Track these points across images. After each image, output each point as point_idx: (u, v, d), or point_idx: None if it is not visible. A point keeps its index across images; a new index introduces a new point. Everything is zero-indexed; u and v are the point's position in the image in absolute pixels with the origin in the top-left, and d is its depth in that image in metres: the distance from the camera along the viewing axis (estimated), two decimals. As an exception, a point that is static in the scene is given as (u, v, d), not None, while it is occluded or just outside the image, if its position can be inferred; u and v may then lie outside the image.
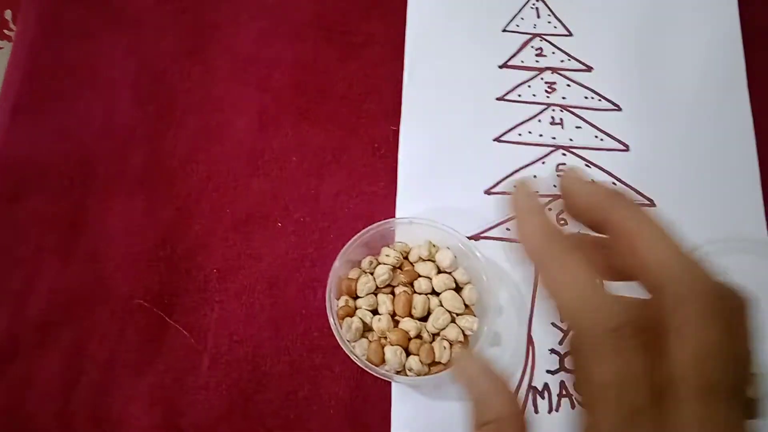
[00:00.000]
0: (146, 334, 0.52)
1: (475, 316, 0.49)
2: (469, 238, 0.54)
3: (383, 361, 0.47)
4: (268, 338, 0.51)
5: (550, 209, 0.29)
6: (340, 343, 0.47)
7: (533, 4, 0.61)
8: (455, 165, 0.56)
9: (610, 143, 0.56)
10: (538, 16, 0.61)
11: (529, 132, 0.57)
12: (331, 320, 0.47)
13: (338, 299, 0.50)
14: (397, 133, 0.57)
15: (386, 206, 0.55)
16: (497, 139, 0.57)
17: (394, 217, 0.54)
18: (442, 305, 0.49)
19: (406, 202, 0.55)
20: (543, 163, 0.56)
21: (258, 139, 0.57)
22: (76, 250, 0.54)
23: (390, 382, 0.50)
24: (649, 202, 0.54)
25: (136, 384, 0.51)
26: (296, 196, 0.55)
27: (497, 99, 0.58)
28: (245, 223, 0.54)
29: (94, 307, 0.52)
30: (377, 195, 0.55)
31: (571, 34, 0.60)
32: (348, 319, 0.48)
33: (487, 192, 0.55)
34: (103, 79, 0.59)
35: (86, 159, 0.57)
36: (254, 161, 0.56)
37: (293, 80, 0.59)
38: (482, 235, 0.54)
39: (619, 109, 0.57)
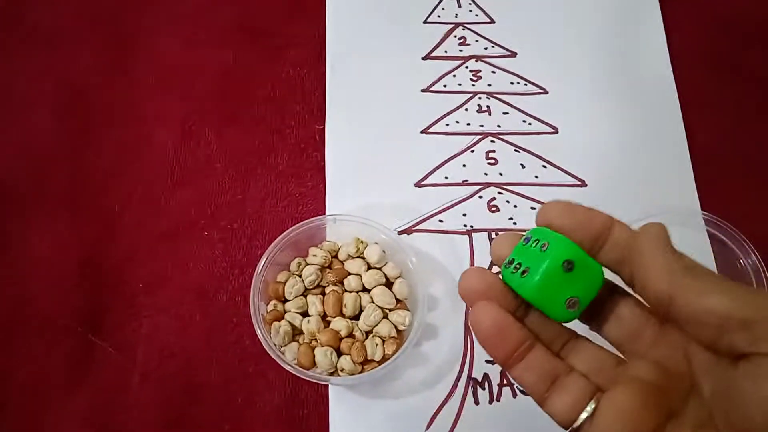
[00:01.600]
0: (74, 355, 0.49)
1: (407, 310, 0.47)
2: (402, 231, 0.52)
3: (314, 363, 0.45)
4: (199, 350, 0.49)
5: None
6: (267, 350, 0.44)
7: (454, -6, 0.60)
8: (384, 159, 0.54)
9: (538, 126, 0.55)
10: (459, 6, 0.60)
11: (457, 121, 0.55)
12: (255, 326, 0.45)
13: (267, 304, 0.48)
14: (323, 131, 0.55)
15: (316, 206, 0.53)
16: (425, 131, 0.55)
17: (324, 214, 0.53)
18: (373, 302, 0.47)
19: (336, 201, 0.53)
20: (472, 151, 0.54)
21: (180, 148, 0.55)
22: (-2, 272, 0.52)
23: (327, 385, 0.48)
24: (580, 182, 0.53)
25: (67, 407, 0.48)
26: (222, 203, 0.53)
27: (422, 91, 0.57)
28: (172, 234, 0.52)
29: (18, 330, 0.50)
30: (306, 196, 0.53)
31: (493, 21, 0.59)
32: (276, 323, 0.46)
33: (417, 185, 0.53)
34: (18, 97, 0.57)
35: (5, 179, 0.54)
36: (178, 171, 0.54)
37: (216, 86, 0.57)
38: (415, 228, 0.52)
39: (546, 93, 0.56)
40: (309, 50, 0.58)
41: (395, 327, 0.46)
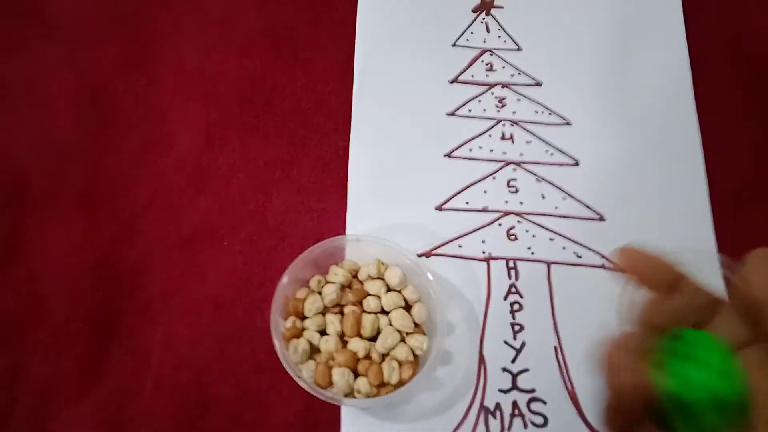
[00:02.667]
0: (87, 357, 0.48)
1: (424, 334, 0.47)
2: (421, 255, 0.51)
3: (331, 383, 0.44)
4: (214, 360, 0.48)
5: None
6: (286, 367, 0.44)
7: (483, 19, 0.60)
8: (406, 181, 0.54)
9: (560, 158, 0.55)
10: (488, 31, 0.59)
11: (480, 147, 0.55)
12: (275, 343, 0.44)
13: (285, 320, 0.47)
14: (346, 148, 0.54)
15: (336, 223, 0.52)
16: (448, 155, 0.55)
17: (344, 234, 0.52)
18: (391, 324, 0.47)
19: (356, 219, 0.52)
20: (494, 178, 0.54)
21: (204, 154, 0.54)
22: (12, 270, 0.51)
23: (340, 405, 0.47)
24: (598, 217, 0.53)
25: (77, 410, 0.47)
26: (243, 213, 0.52)
27: (448, 114, 0.56)
28: (190, 241, 0.51)
29: (31, 330, 0.49)
30: (327, 212, 0.53)
31: (520, 49, 0.59)
32: (294, 340, 0.46)
33: (438, 208, 0.53)
34: (39, 92, 0.56)
35: (22, 176, 0.53)
36: (200, 177, 0.53)
37: (240, 94, 0.56)
38: (434, 252, 0.52)
39: (569, 124, 0.56)
40: (336, 64, 0.58)
41: (412, 351, 0.46)
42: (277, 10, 0.59)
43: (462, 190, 0.54)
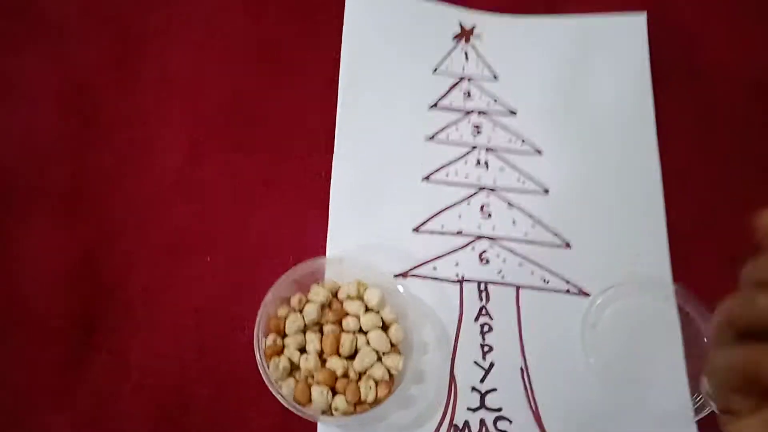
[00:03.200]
0: (67, 358, 0.48)
1: (400, 354, 0.48)
2: (398, 275, 0.53)
3: (310, 401, 0.46)
4: (194, 361, 0.49)
5: None
6: (267, 384, 0.45)
7: (463, 47, 0.61)
8: (385, 202, 0.55)
9: (531, 186, 0.57)
10: (467, 59, 0.61)
11: (456, 172, 0.57)
12: (258, 360, 0.45)
13: (266, 337, 0.48)
14: (329, 166, 0.55)
15: (316, 240, 0.53)
16: (426, 178, 0.56)
17: (324, 249, 0.53)
18: (369, 344, 0.48)
19: (336, 236, 0.54)
20: (468, 203, 0.56)
21: (187, 161, 0.55)
22: (-9, 270, 0.50)
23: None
24: (564, 244, 0.55)
25: (57, 411, 0.48)
26: (226, 224, 0.53)
27: (427, 139, 0.58)
28: (172, 249, 0.52)
29: (9, 331, 0.49)
30: (307, 228, 0.54)
31: (497, 78, 0.61)
32: (276, 358, 0.47)
33: (416, 230, 0.55)
34: (23, 91, 0.55)
35: (4, 174, 0.52)
36: (183, 184, 0.54)
37: (225, 100, 0.57)
38: (410, 272, 0.53)
39: (540, 154, 0.58)
40: (320, 80, 0.58)
41: (388, 371, 0.48)
42: (264, 21, 0.60)
43: (438, 214, 0.55)
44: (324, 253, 0.53)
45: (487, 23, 0.62)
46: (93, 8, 0.59)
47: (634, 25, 0.62)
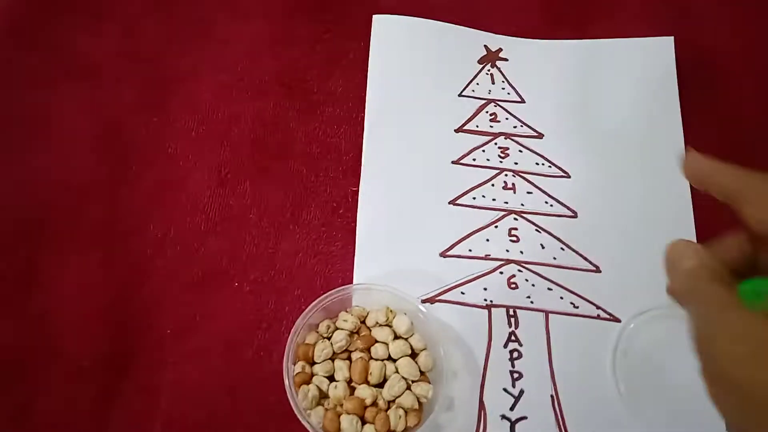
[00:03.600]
0: (97, 397, 0.48)
1: (429, 383, 0.48)
2: (425, 300, 0.52)
3: (339, 430, 0.45)
4: (223, 403, 0.48)
5: None
6: (296, 413, 0.45)
7: (488, 71, 0.61)
8: (412, 227, 0.55)
9: (559, 209, 0.56)
10: (493, 82, 0.61)
11: (483, 196, 0.56)
12: (287, 388, 0.45)
13: (294, 365, 0.48)
14: (356, 193, 0.55)
15: (344, 266, 0.53)
16: (452, 202, 0.56)
17: (351, 276, 0.53)
18: (398, 372, 0.48)
19: (363, 263, 0.53)
20: (496, 227, 0.55)
21: (216, 195, 0.55)
22: (26, 307, 0.50)
23: (345, 448, 0.48)
24: (594, 269, 0.54)
25: (86, 448, 0.47)
26: (254, 255, 0.53)
27: (453, 162, 0.57)
28: (201, 282, 0.52)
29: (42, 367, 0.49)
30: (335, 255, 0.54)
31: (523, 101, 0.60)
32: (305, 386, 0.46)
33: (443, 254, 0.54)
34: (59, 130, 0.56)
35: (39, 213, 0.53)
36: (212, 218, 0.54)
37: (253, 136, 0.57)
38: (437, 298, 0.53)
39: (568, 176, 0.57)
40: (347, 109, 0.58)
41: (418, 399, 0.47)
42: (290, 53, 0.60)
43: (465, 238, 0.55)
44: (351, 278, 0.53)
45: (512, 46, 0.62)
46: (129, 50, 0.60)
47: (662, 49, 0.61)
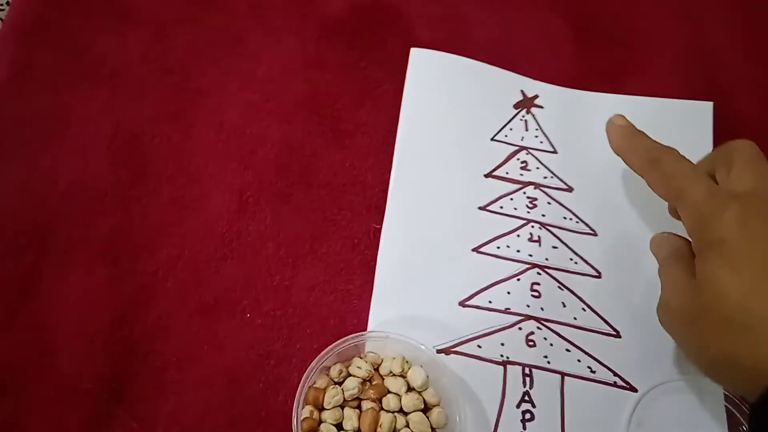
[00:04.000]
0: (91, 421, 0.45)
1: (440, 440, 0.46)
2: (440, 350, 0.50)
3: (344, 484, 0.43)
4: (225, 434, 0.46)
5: None
6: (302, 462, 0.42)
7: (523, 116, 0.59)
8: (433, 271, 0.53)
9: (583, 267, 0.54)
10: (527, 129, 0.59)
11: (508, 246, 0.54)
12: (295, 436, 0.43)
13: (302, 409, 0.45)
14: (378, 231, 0.53)
15: (360, 306, 0.51)
16: (476, 249, 0.54)
17: (366, 317, 0.51)
18: (408, 427, 0.45)
19: (380, 305, 0.51)
20: (518, 280, 0.53)
21: (235, 219, 0.52)
22: (22, 317, 0.48)
23: (346, 501, 0.45)
24: (615, 333, 0.52)
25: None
26: (269, 285, 0.51)
27: (479, 208, 0.55)
28: (212, 309, 0.49)
29: (34, 385, 0.46)
30: (352, 294, 0.51)
31: (555, 152, 0.58)
32: (312, 434, 0.44)
33: (462, 304, 0.52)
34: (74, 134, 0.53)
35: (47, 220, 0.50)
36: (228, 243, 0.52)
37: (277, 161, 0.55)
38: (453, 349, 0.51)
39: (595, 234, 0.56)
40: (375, 142, 0.56)
41: (427, 457, 0.45)
42: (322, 77, 0.58)
43: (486, 288, 0.53)
44: (366, 319, 0.51)
45: (549, 94, 0.60)
46: (153, 58, 0.57)
47: (700, 113, 0.59)
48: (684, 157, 0.46)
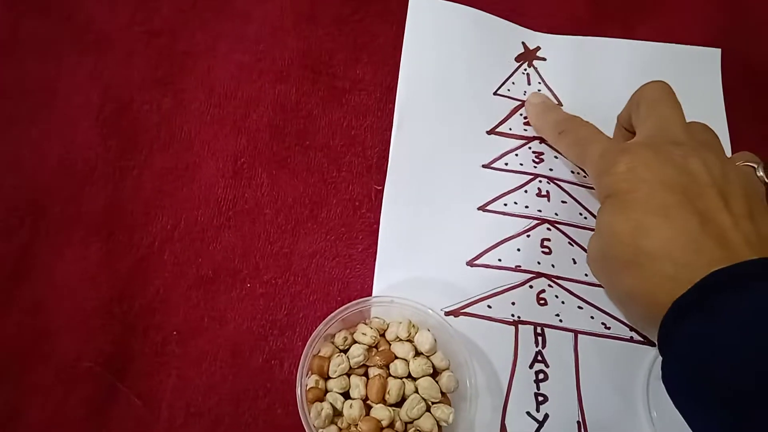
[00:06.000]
0: (94, 400, 0.43)
1: (450, 406, 0.43)
2: (449, 313, 0.47)
3: (353, 453, 0.41)
4: (228, 413, 0.44)
5: None
6: (307, 430, 0.40)
7: (524, 70, 0.55)
8: (438, 232, 0.50)
9: (593, 222, 0.51)
10: (529, 83, 0.55)
11: (515, 203, 0.51)
12: (300, 406, 0.40)
13: (307, 378, 0.43)
14: (380, 192, 0.50)
15: (364, 271, 0.48)
16: (482, 208, 0.51)
17: (371, 282, 0.48)
18: (417, 392, 0.43)
19: (385, 269, 0.48)
20: (528, 236, 0.50)
21: (230, 186, 0.49)
22: (18, 298, 0.45)
23: (356, 470, 0.43)
24: (629, 288, 0.49)
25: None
26: (268, 253, 0.48)
27: (483, 166, 0.52)
28: (211, 280, 0.47)
29: (34, 365, 0.44)
30: (355, 259, 0.48)
31: (560, 104, 0.55)
32: (318, 404, 0.41)
33: (470, 263, 0.49)
34: (62, 105, 0.50)
35: (39, 196, 0.48)
36: (225, 211, 0.49)
37: (272, 123, 0.51)
38: (462, 310, 0.48)
39: (605, 188, 0.52)
40: (373, 99, 0.53)
41: (438, 423, 0.42)
42: (315, 33, 0.54)
43: (494, 246, 0.50)
44: (371, 284, 0.48)
45: (552, 45, 0.56)
46: (140, 20, 0.53)
47: (708, 60, 0.55)
48: (587, 122, 0.48)
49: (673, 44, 0.56)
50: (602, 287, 0.49)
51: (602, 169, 0.41)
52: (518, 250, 0.50)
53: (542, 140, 0.53)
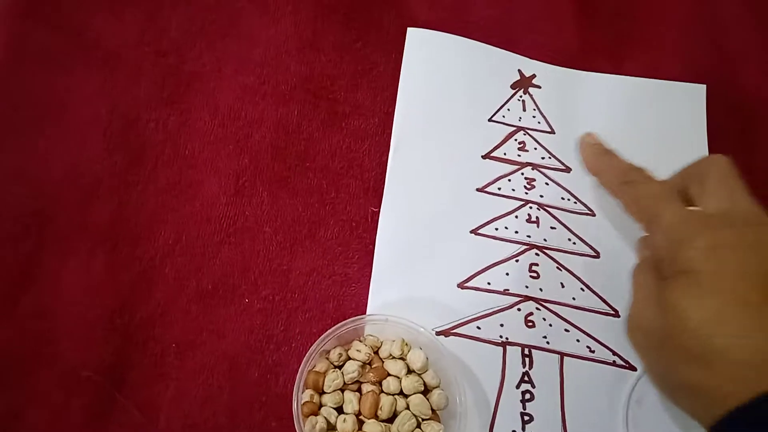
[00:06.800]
0: (93, 408, 0.44)
1: (440, 422, 0.44)
2: (439, 332, 0.49)
3: (345, 467, 0.42)
4: (224, 425, 0.45)
5: None
6: (303, 447, 0.41)
7: (520, 97, 0.57)
8: (431, 253, 0.51)
9: (581, 248, 0.53)
10: (524, 110, 0.57)
11: (506, 227, 0.53)
12: (295, 420, 0.41)
13: (302, 392, 0.44)
14: (376, 214, 0.52)
15: (359, 290, 0.49)
16: (474, 231, 0.52)
17: (365, 301, 0.49)
18: (409, 409, 0.44)
19: (379, 288, 0.50)
20: (516, 261, 0.52)
21: (231, 203, 0.51)
22: (22, 305, 0.46)
23: (347, 482, 0.44)
24: (613, 312, 0.51)
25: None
26: (267, 270, 0.49)
27: (477, 189, 0.54)
28: (210, 294, 0.48)
29: (36, 371, 0.45)
30: (351, 277, 0.50)
31: (553, 132, 0.56)
32: (312, 418, 0.43)
33: (461, 285, 0.51)
34: (70, 119, 0.51)
35: (45, 206, 0.49)
36: (225, 228, 0.50)
37: (274, 144, 0.53)
38: (452, 330, 0.49)
39: (593, 215, 0.54)
40: (372, 124, 0.54)
41: (427, 439, 0.44)
42: (318, 59, 0.56)
43: (485, 269, 0.51)
44: (365, 302, 0.49)
45: (547, 74, 0.58)
46: (149, 40, 0.55)
47: (694, 95, 0.57)
48: (653, 177, 0.46)
49: (660, 80, 0.58)
50: (601, 315, 0.50)
51: (677, 240, 0.38)
52: (507, 274, 0.51)
53: (535, 166, 0.55)
